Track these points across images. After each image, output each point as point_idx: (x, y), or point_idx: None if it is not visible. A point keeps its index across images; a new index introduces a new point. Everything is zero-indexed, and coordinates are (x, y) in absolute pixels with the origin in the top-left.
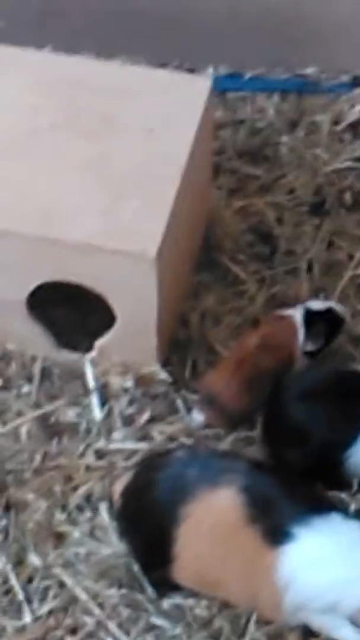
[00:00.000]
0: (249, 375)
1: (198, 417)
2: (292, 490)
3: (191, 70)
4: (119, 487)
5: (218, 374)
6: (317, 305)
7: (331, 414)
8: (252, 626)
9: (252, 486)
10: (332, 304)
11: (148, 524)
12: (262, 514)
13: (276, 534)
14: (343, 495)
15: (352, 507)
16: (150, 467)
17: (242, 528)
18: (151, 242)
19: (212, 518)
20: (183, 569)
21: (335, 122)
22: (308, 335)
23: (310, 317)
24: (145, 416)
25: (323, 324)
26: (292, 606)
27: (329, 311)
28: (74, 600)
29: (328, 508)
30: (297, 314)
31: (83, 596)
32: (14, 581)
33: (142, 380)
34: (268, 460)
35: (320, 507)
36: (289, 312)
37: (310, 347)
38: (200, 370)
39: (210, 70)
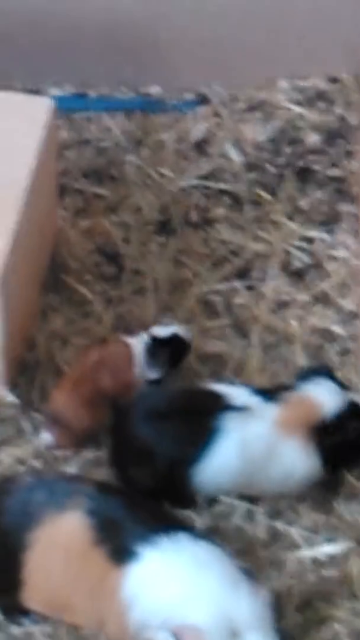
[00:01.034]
0: (87, 392)
1: (46, 436)
2: (138, 510)
3: (35, 92)
4: None
5: (59, 392)
6: (161, 331)
7: (176, 432)
8: None
9: (98, 508)
10: (176, 328)
11: None
12: (108, 535)
13: (121, 554)
14: (189, 513)
15: (198, 524)
16: None
17: (89, 551)
18: None
19: (60, 542)
20: (32, 593)
21: (180, 140)
22: (151, 364)
23: (155, 344)
24: None
25: (166, 352)
26: (137, 626)
27: (173, 337)
28: None
29: (175, 528)
30: (137, 343)
31: None
32: None
33: None
34: (116, 481)
35: (167, 526)
36: (129, 340)
37: (153, 375)
38: (49, 392)
39: (54, 90)
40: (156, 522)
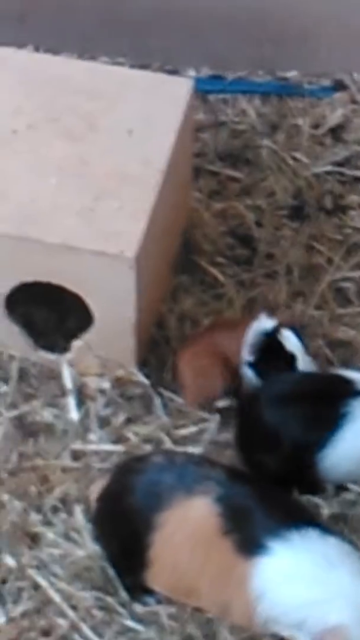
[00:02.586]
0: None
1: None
2: (269, 501)
3: (173, 72)
4: (95, 490)
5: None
6: (267, 323)
7: (303, 417)
8: (225, 631)
9: (228, 496)
10: (283, 330)
11: (123, 529)
12: (237, 525)
13: (250, 546)
14: (317, 500)
15: (326, 511)
16: (127, 471)
17: (217, 539)
18: (130, 244)
19: (187, 527)
20: (157, 575)
21: (316, 126)
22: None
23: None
24: (122, 418)
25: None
26: (264, 618)
27: (274, 331)
28: (47, 601)
29: (306, 522)
30: (255, 323)
31: (57, 598)
32: None
33: (119, 382)
34: (243, 466)
35: (297, 520)
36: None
37: (247, 356)
38: None
39: (192, 72)
40: (286, 516)
